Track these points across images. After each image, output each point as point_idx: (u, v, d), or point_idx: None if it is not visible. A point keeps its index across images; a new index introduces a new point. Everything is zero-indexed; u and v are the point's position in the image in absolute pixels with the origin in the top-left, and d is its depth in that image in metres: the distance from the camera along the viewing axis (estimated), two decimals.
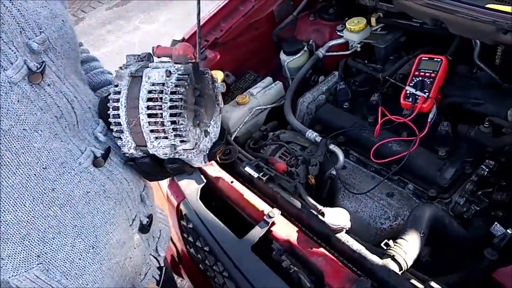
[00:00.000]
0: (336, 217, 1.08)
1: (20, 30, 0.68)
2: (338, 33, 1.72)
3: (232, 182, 1.31)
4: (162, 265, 1.06)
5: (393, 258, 1.00)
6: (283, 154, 1.52)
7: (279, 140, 1.55)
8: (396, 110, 1.41)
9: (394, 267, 0.99)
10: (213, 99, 0.90)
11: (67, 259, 0.79)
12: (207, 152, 0.90)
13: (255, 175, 1.30)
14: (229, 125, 1.62)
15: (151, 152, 0.82)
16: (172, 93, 0.76)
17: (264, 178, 1.28)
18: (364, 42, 1.67)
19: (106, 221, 0.83)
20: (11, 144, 0.66)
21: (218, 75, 1.62)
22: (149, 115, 0.77)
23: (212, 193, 1.38)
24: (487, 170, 1.28)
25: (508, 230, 1.11)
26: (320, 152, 1.44)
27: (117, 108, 0.78)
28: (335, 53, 1.71)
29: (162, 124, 0.77)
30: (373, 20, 1.65)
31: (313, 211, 1.16)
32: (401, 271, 1.00)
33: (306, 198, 1.20)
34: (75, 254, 0.79)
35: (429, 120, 1.32)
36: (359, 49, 1.69)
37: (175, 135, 0.78)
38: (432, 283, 0.94)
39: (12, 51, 0.67)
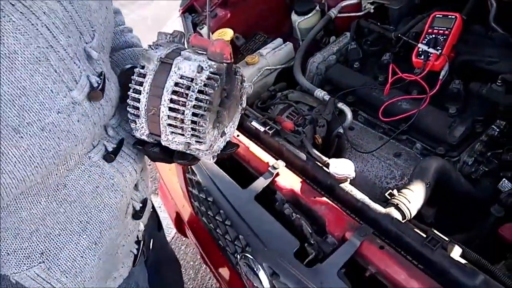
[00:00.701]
0: (340, 167, 1.07)
1: (79, 36, 0.62)
2: None
3: (238, 135, 1.31)
4: (141, 239, 1.01)
5: (396, 206, 1.00)
6: (290, 113, 1.51)
7: (287, 100, 1.54)
8: (407, 69, 1.38)
9: (397, 215, 0.98)
10: (238, 100, 0.86)
11: (69, 257, 0.76)
12: (219, 152, 0.86)
13: (262, 129, 1.30)
14: None
15: (163, 144, 0.78)
16: (199, 91, 0.72)
17: (270, 132, 1.27)
18: (378, 3, 1.63)
19: (112, 215, 0.80)
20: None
21: (228, 33, 1.60)
22: (170, 109, 0.72)
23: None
24: (497, 130, 1.25)
25: None
26: (328, 110, 1.42)
27: (139, 92, 0.73)
28: (347, 14, 1.68)
29: (182, 121, 0.73)
30: None
31: (318, 163, 1.15)
32: (404, 220, 0.99)
33: (312, 151, 1.19)
34: (77, 252, 0.77)
35: (440, 77, 1.29)
36: (372, 11, 1.65)
37: (192, 135, 0.74)
38: (435, 231, 0.93)
39: (77, 65, 0.60)
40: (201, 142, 0.75)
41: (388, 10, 1.64)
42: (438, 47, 1.31)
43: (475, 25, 1.44)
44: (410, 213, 0.99)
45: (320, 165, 1.14)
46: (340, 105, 1.40)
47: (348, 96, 1.50)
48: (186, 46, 0.82)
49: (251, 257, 1.06)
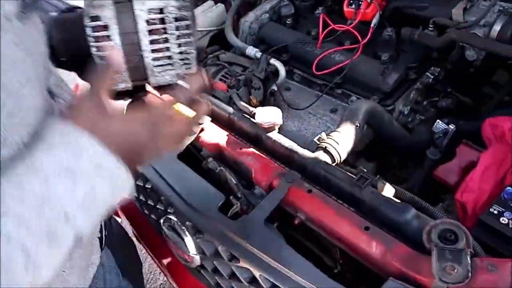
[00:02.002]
0: (266, 114, 0.99)
1: None
2: None
3: (161, 95, 1.20)
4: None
5: (324, 150, 0.93)
6: (223, 76, 1.42)
7: (218, 61, 1.44)
8: (340, 23, 1.33)
9: (325, 158, 0.91)
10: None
11: None
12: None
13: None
14: None
15: (152, 83, 0.70)
16: (176, 19, 0.65)
17: None
18: None
19: None
20: None
21: None
22: (154, 51, 0.65)
23: None
24: (432, 77, 1.22)
25: (450, 126, 1.05)
26: (260, 68, 1.34)
27: (109, 47, 0.64)
28: None
29: (170, 57, 0.66)
30: None
31: (245, 115, 1.06)
32: (334, 163, 0.92)
33: (239, 103, 1.10)
34: None
35: (371, 25, 1.24)
36: None
37: (182, 65, 0.68)
38: (365, 170, 0.86)
39: None
40: (191, 66, 0.69)
41: None
42: None
43: None
44: (339, 155, 0.93)
45: (247, 116, 1.05)
46: (273, 61, 1.32)
47: (282, 54, 1.42)
48: None
49: (173, 219, 0.96)
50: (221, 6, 1.59)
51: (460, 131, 1.10)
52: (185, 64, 0.69)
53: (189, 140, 0.89)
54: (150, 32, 0.64)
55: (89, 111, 0.56)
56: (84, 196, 0.52)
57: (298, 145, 1.01)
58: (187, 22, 0.66)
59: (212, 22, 1.58)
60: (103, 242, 0.93)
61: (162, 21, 0.64)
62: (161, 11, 0.64)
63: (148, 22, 0.63)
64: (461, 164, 0.99)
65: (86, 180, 0.52)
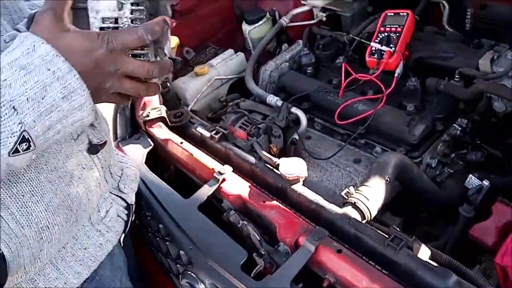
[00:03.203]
0: (291, 166, 0.96)
1: None
2: (302, 1, 1.63)
3: (182, 143, 1.18)
4: (131, 203, 0.95)
5: (354, 205, 0.88)
6: (243, 123, 1.39)
7: (239, 109, 1.43)
8: (361, 72, 1.32)
9: (355, 215, 0.86)
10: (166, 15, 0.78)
11: None
12: (166, 83, 0.77)
13: (207, 134, 1.18)
14: (186, 97, 1.50)
15: None
16: None
17: (216, 136, 1.15)
18: (329, 10, 1.59)
19: None
20: None
21: (172, 40, 1.50)
22: None
23: (162, 160, 1.24)
24: (459, 129, 1.18)
25: (484, 182, 1.00)
26: (281, 116, 1.32)
27: None
28: (299, 23, 1.62)
29: None
30: None
31: (268, 165, 1.03)
32: (364, 221, 0.87)
33: (261, 152, 1.07)
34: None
35: (395, 75, 1.23)
36: (324, 18, 1.61)
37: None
38: (398, 229, 0.81)
39: None
40: (142, 54, 0.67)
41: (340, 18, 1.60)
42: (391, 45, 1.25)
43: (427, 26, 1.41)
44: (369, 212, 0.88)
45: (270, 167, 1.02)
46: (294, 109, 1.30)
47: (302, 102, 1.40)
48: None
49: (193, 275, 0.91)
50: (241, 55, 1.60)
51: (493, 187, 1.05)
52: None
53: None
54: None
55: (48, 25, 0.58)
56: (35, 93, 0.54)
57: (321, 196, 0.97)
58: None
59: (232, 70, 1.58)
60: (127, 225, 0.94)
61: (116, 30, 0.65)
62: (115, 21, 0.65)
63: (101, 28, 0.65)
64: (498, 223, 0.92)
65: (37, 76, 0.54)
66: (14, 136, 0.53)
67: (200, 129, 1.20)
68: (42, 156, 0.71)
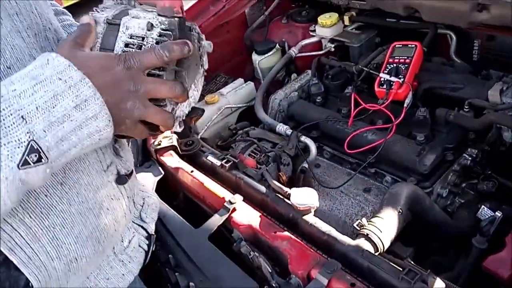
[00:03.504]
0: (302, 196, 0.96)
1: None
2: (311, 33, 1.67)
3: (192, 171, 1.19)
4: (152, 233, 0.94)
5: (366, 237, 0.87)
6: (253, 151, 1.41)
7: (248, 137, 1.44)
8: (370, 101, 1.33)
9: (368, 247, 0.85)
10: (197, 60, 0.78)
11: (31, 193, 0.65)
12: (184, 118, 0.78)
13: (218, 163, 1.18)
14: (197, 125, 1.52)
15: None
16: None
17: (227, 165, 1.16)
18: (337, 41, 1.62)
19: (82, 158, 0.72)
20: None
21: None
22: None
23: (172, 188, 1.24)
24: (470, 159, 1.18)
25: (496, 213, 0.99)
26: (291, 145, 1.33)
27: None
28: (308, 54, 1.65)
29: None
30: (346, 18, 1.61)
31: (279, 195, 1.03)
32: (377, 253, 0.86)
33: (272, 182, 1.07)
34: (40, 189, 0.66)
35: (405, 105, 1.23)
36: (332, 49, 1.63)
37: (150, 99, 0.68)
38: (412, 263, 0.80)
39: None
40: (161, 105, 0.67)
41: (348, 49, 1.62)
42: (400, 76, 1.26)
43: (435, 57, 1.43)
44: (382, 244, 0.87)
45: (281, 196, 1.02)
46: (303, 138, 1.31)
47: (312, 131, 1.42)
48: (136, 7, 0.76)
49: None
50: (251, 84, 1.63)
51: (505, 217, 1.04)
52: (153, 100, 0.66)
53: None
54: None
55: (67, 48, 0.58)
56: (45, 102, 0.52)
57: (331, 226, 0.96)
58: None
59: (242, 99, 1.61)
60: (148, 255, 0.91)
61: (140, 48, 0.65)
62: (142, 39, 0.66)
63: (126, 45, 0.65)
64: None
65: (48, 85, 0.52)
66: (21, 146, 0.51)
67: (210, 158, 1.20)
68: (73, 187, 0.70)
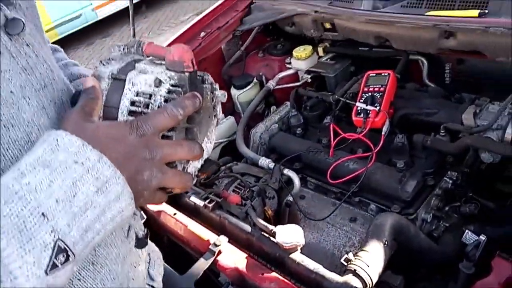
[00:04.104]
0: (288, 234, 0.95)
1: None
2: (287, 65, 1.70)
3: (175, 214, 1.17)
4: None
5: (354, 273, 0.86)
6: (236, 187, 1.39)
7: (231, 173, 1.44)
8: (349, 130, 1.35)
9: (356, 283, 0.84)
10: (210, 111, 0.73)
11: None
12: (197, 173, 0.72)
13: (201, 203, 1.17)
14: None
15: None
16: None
17: (210, 205, 1.15)
18: (313, 72, 1.65)
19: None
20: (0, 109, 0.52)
21: None
22: None
23: (155, 232, 1.22)
24: (450, 182, 1.20)
25: (481, 236, 1.00)
26: (274, 178, 1.33)
27: None
28: (285, 86, 1.68)
29: None
30: (320, 50, 1.65)
31: (264, 233, 1.02)
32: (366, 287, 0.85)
33: (257, 220, 1.06)
34: (73, 274, 0.60)
35: (383, 133, 1.25)
36: (309, 80, 1.66)
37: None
38: None
39: None
40: (171, 166, 0.62)
41: (325, 79, 1.65)
42: (376, 104, 1.29)
43: (408, 83, 1.46)
44: (371, 279, 0.86)
45: (266, 235, 1.01)
46: (286, 171, 1.31)
47: (294, 163, 1.42)
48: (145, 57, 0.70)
49: None
50: (231, 119, 1.64)
51: (490, 239, 1.04)
52: None
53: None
54: (130, 113, 0.60)
55: (74, 119, 0.54)
56: (64, 192, 0.46)
57: (319, 258, 0.95)
58: None
59: (223, 134, 1.61)
60: None
61: (147, 106, 0.61)
62: (149, 96, 0.61)
63: (132, 103, 0.61)
64: (500, 279, 0.91)
65: (65, 172, 0.47)
66: (48, 248, 0.44)
67: (193, 198, 1.19)
68: (105, 264, 0.65)
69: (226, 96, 0.70)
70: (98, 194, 0.49)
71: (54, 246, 0.45)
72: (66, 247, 0.46)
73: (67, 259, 0.46)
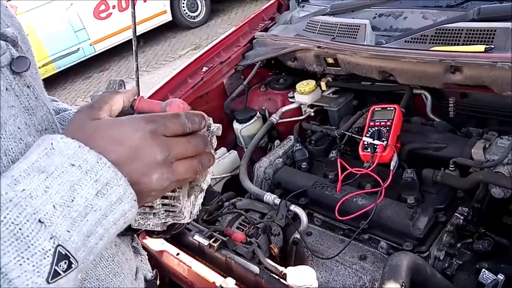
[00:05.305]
0: (299, 276, 0.91)
1: None
2: (290, 99, 1.69)
3: (178, 254, 1.12)
4: None
5: None
6: (241, 224, 1.36)
7: (235, 209, 1.40)
8: (356, 164, 1.32)
9: None
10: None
11: None
12: (200, 208, 0.71)
13: (206, 242, 1.12)
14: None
15: (134, 227, 0.64)
16: None
17: (215, 245, 1.10)
18: (317, 106, 1.64)
19: (111, 271, 0.64)
20: (9, 145, 0.50)
21: None
22: None
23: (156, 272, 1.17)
24: (462, 218, 1.17)
25: (499, 276, 0.96)
26: (280, 215, 1.29)
27: None
28: (289, 119, 1.67)
29: (151, 207, 0.60)
30: (323, 84, 1.65)
31: (274, 275, 0.97)
32: None
33: (265, 261, 1.02)
34: None
35: (391, 168, 1.23)
36: (312, 114, 1.66)
37: (166, 215, 0.62)
38: None
39: None
40: (179, 217, 0.61)
41: (328, 112, 1.65)
42: (383, 138, 1.27)
43: (414, 117, 1.45)
44: None
45: (276, 277, 0.96)
46: (293, 207, 1.28)
47: (300, 198, 1.38)
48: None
49: None
50: (234, 153, 1.61)
51: (508, 277, 1.01)
52: (170, 215, 0.61)
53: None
54: None
55: (80, 116, 0.51)
56: (62, 197, 0.44)
57: None
58: None
59: (226, 168, 1.58)
60: None
61: None
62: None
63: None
64: None
65: (61, 176, 0.45)
66: (48, 256, 0.42)
67: (197, 237, 1.15)
68: None
69: (221, 130, 0.67)
70: (99, 197, 0.47)
71: (55, 253, 0.43)
72: (68, 254, 0.44)
73: (69, 266, 0.44)
